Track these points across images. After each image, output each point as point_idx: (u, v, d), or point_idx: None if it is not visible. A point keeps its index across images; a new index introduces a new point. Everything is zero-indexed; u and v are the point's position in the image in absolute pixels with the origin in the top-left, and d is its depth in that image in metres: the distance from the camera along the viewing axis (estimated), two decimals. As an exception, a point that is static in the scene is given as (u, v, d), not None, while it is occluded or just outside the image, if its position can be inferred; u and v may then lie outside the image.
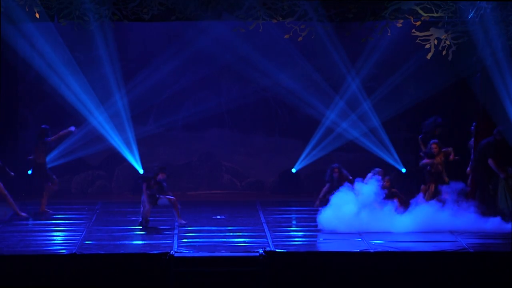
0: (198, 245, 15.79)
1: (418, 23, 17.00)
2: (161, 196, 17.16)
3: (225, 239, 16.14)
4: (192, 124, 20.40)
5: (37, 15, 16.77)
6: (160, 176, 17.17)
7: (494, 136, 17.64)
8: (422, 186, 18.27)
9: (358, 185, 17.41)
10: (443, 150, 18.28)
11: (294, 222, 18.05)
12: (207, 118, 20.77)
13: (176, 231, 16.76)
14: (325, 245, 15.91)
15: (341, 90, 20.89)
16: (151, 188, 17.14)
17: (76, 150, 20.18)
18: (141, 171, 19.35)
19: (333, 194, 17.43)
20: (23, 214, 17.85)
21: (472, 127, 18.68)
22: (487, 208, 17.43)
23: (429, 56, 17.11)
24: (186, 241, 15.97)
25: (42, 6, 16.73)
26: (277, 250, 15.22)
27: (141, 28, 19.79)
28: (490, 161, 17.52)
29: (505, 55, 17.09)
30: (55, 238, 16.41)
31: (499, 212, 17.35)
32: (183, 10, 16.93)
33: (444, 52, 17.00)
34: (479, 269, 14.96)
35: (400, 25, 17.06)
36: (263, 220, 17.73)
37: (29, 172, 18.52)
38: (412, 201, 17.58)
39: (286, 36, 17.26)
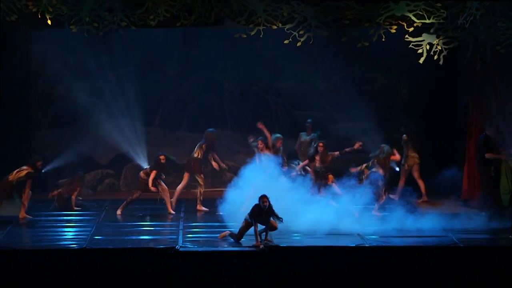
0: (202, 239, 15.85)
1: (411, 29, 17.02)
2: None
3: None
4: (196, 125, 20.37)
5: (49, 22, 16.81)
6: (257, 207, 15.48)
7: (485, 132, 17.69)
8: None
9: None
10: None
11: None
12: (211, 119, 20.78)
13: (181, 227, 16.82)
14: (323, 240, 15.79)
15: (338, 91, 21.04)
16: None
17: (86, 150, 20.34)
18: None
19: None
20: (173, 212, 18.04)
21: (307, 123, 19.41)
22: (493, 202, 17.52)
23: (421, 61, 17.07)
24: (191, 236, 16.01)
25: (54, 13, 16.75)
26: (279, 244, 15.30)
27: (148, 34, 19.84)
28: (487, 155, 17.56)
29: (494, 60, 17.18)
30: (66, 233, 16.47)
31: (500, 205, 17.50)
32: (188, 17, 16.97)
33: (435, 57, 17.02)
34: (468, 262, 15.06)
35: (394, 31, 17.06)
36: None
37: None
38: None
39: (286, 42, 17.26)
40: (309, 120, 20.03)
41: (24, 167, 17.32)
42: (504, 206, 17.42)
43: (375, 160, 17.78)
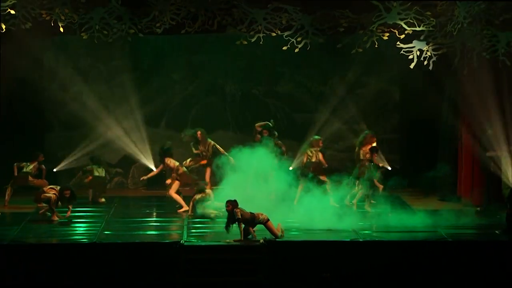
0: (205, 234, 16.03)
1: (402, 36, 17.09)
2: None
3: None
4: (200, 127, 20.42)
5: (61, 29, 16.97)
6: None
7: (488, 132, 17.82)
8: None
9: None
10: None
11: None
12: (213, 121, 20.91)
13: (185, 223, 16.93)
14: (320, 235, 15.85)
15: (334, 95, 21.24)
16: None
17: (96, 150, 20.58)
18: (154, 169, 19.67)
19: None
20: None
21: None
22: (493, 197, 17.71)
23: (412, 66, 17.17)
24: (194, 231, 16.15)
25: (66, 21, 16.89)
26: (277, 239, 15.41)
27: (155, 40, 20.05)
28: (487, 153, 17.70)
29: (480, 66, 17.29)
30: (77, 228, 16.59)
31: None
32: (192, 25, 17.10)
33: (425, 62, 17.10)
34: (456, 256, 15.21)
35: (387, 38, 17.16)
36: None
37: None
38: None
39: (284, 48, 17.35)
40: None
41: (54, 190, 17.23)
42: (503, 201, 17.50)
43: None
